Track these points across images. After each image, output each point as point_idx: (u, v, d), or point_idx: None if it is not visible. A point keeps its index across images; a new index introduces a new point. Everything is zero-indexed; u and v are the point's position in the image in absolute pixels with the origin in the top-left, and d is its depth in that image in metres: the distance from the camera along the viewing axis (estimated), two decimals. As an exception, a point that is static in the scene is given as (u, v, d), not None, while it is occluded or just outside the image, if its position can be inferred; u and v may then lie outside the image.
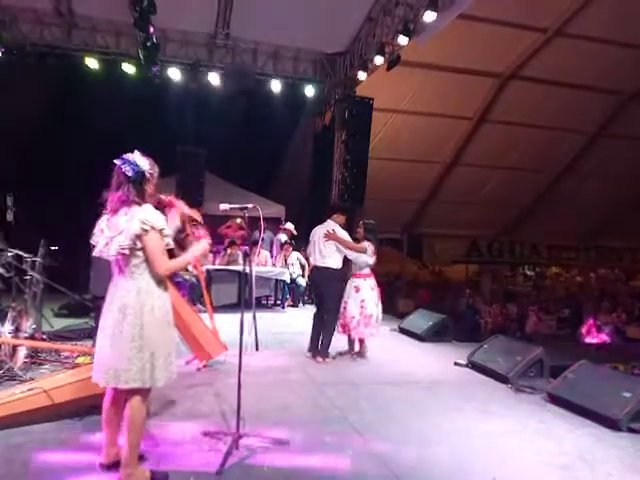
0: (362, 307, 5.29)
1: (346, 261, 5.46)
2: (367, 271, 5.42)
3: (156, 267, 2.52)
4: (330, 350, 5.30)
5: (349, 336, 5.46)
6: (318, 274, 5.40)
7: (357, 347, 5.51)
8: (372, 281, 5.44)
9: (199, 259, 3.00)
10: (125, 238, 2.46)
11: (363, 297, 5.31)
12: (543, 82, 11.46)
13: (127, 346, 2.45)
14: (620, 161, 13.65)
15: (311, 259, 5.53)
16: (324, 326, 5.26)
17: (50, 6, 8.79)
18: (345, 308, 5.37)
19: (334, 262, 5.27)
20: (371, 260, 5.34)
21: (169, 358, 2.57)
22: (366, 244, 5.33)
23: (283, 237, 9.80)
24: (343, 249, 5.27)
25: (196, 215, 3.16)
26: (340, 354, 5.47)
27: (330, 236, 5.22)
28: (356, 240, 5.43)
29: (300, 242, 10.42)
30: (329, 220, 5.41)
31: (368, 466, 2.90)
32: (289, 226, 10.04)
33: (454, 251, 16.46)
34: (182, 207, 2.98)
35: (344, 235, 5.29)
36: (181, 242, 2.83)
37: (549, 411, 3.98)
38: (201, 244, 2.84)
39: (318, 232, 5.37)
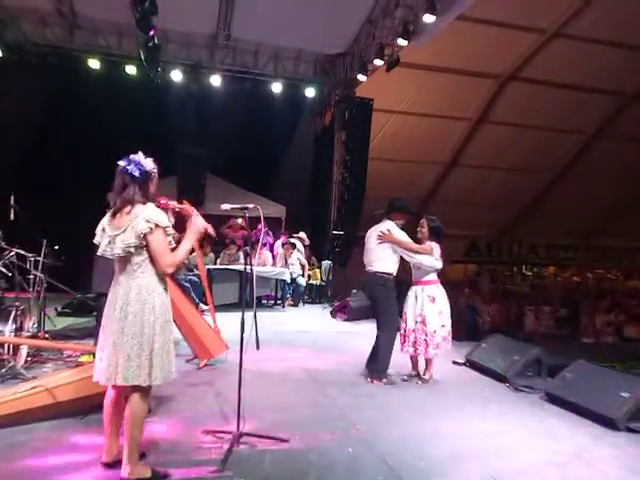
0: (423, 321, 4.51)
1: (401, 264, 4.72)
2: (433, 277, 4.62)
3: (162, 264, 2.54)
4: (393, 371, 4.69)
5: (410, 354, 4.69)
6: (369, 280, 4.63)
7: (423, 370, 4.69)
8: (437, 289, 4.63)
9: (198, 238, 2.88)
10: (130, 236, 2.49)
11: (425, 308, 4.51)
12: (542, 83, 11.50)
13: (127, 344, 2.48)
14: (618, 161, 13.69)
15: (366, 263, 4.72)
16: (378, 342, 4.55)
17: (52, 6, 8.81)
18: (405, 321, 4.64)
19: (387, 266, 4.55)
20: (439, 264, 4.57)
21: (168, 357, 2.59)
22: (432, 245, 4.57)
23: (299, 244, 9.92)
24: (403, 252, 4.53)
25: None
26: (404, 379, 4.69)
27: (385, 237, 4.51)
28: (418, 242, 4.65)
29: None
30: (386, 220, 4.67)
31: (368, 465, 2.92)
32: (302, 235, 10.17)
33: (453, 251, 16.48)
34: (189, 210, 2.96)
35: (402, 236, 4.57)
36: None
37: (547, 410, 4.01)
38: (195, 223, 2.77)
39: (372, 234, 4.66)
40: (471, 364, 5.22)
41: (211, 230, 2.97)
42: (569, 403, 3.97)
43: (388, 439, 3.28)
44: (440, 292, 4.61)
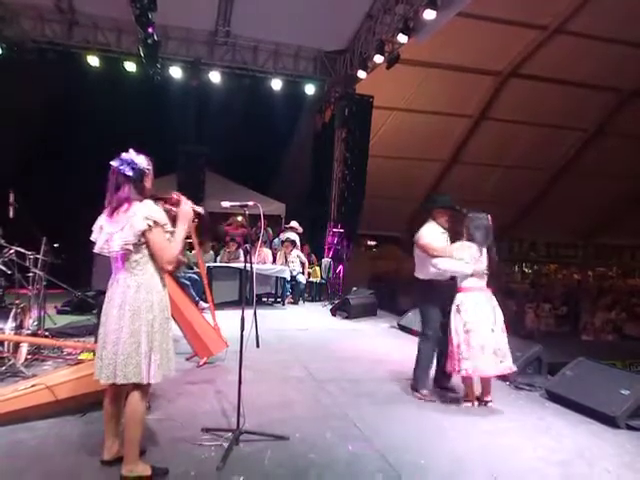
0: (467, 332, 3.89)
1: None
2: (468, 283, 3.99)
3: (164, 259, 2.53)
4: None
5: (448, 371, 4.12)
6: (415, 287, 4.36)
7: (479, 390, 4.03)
8: (468, 297, 3.97)
9: (189, 223, 2.85)
10: (129, 234, 2.48)
11: (464, 319, 3.93)
12: (543, 80, 11.49)
13: (126, 342, 2.48)
14: (619, 159, 13.69)
15: None
16: (417, 349, 4.25)
17: (51, 3, 8.78)
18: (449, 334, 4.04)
19: (425, 273, 4.19)
20: (466, 268, 3.94)
21: (167, 354, 2.59)
22: (457, 246, 4.02)
23: (293, 236, 9.83)
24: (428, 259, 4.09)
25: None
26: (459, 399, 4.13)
27: (417, 244, 4.19)
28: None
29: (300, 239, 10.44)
30: (429, 220, 4.28)
31: (368, 463, 2.92)
32: (294, 224, 10.09)
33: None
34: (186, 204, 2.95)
35: (427, 239, 4.13)
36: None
37: (547, 408, 4.01)
38: (184, 209, 2.74)
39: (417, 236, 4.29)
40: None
41: (199, 209, 2.96)
42: (569, 401, 3.97)
43: (388, 437, 3.28)
44: (471, 300, 3.94)
